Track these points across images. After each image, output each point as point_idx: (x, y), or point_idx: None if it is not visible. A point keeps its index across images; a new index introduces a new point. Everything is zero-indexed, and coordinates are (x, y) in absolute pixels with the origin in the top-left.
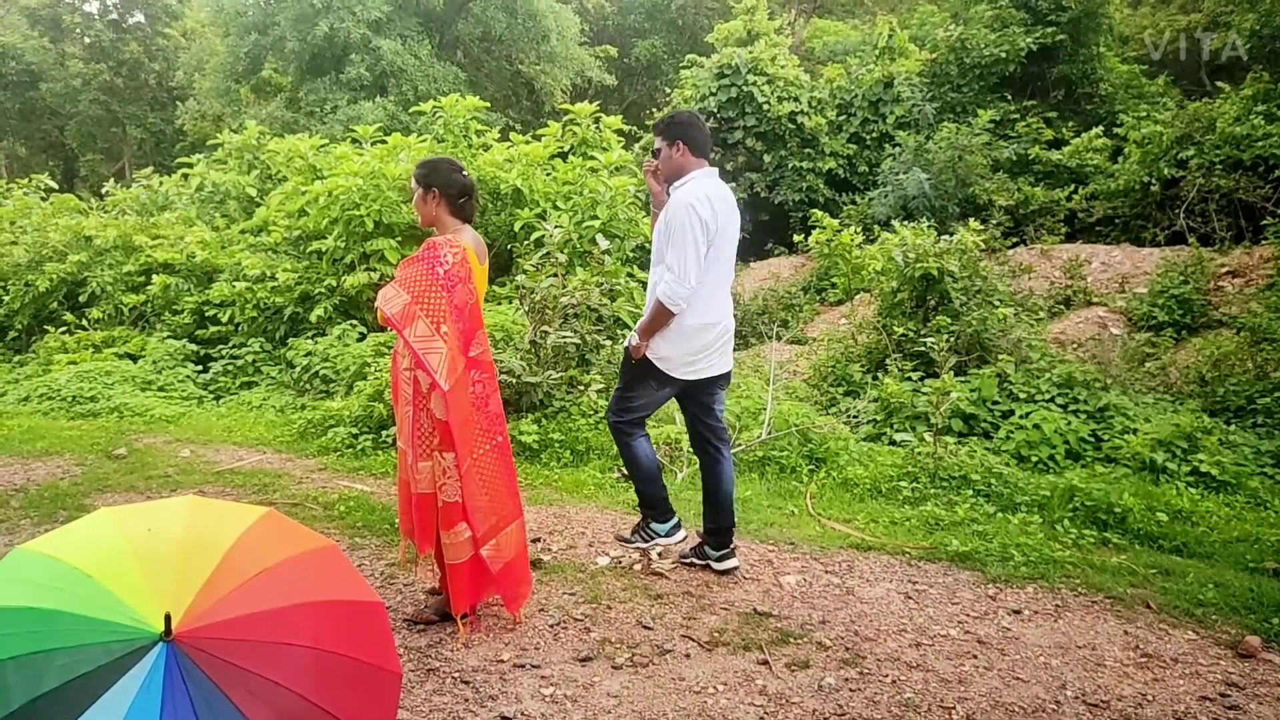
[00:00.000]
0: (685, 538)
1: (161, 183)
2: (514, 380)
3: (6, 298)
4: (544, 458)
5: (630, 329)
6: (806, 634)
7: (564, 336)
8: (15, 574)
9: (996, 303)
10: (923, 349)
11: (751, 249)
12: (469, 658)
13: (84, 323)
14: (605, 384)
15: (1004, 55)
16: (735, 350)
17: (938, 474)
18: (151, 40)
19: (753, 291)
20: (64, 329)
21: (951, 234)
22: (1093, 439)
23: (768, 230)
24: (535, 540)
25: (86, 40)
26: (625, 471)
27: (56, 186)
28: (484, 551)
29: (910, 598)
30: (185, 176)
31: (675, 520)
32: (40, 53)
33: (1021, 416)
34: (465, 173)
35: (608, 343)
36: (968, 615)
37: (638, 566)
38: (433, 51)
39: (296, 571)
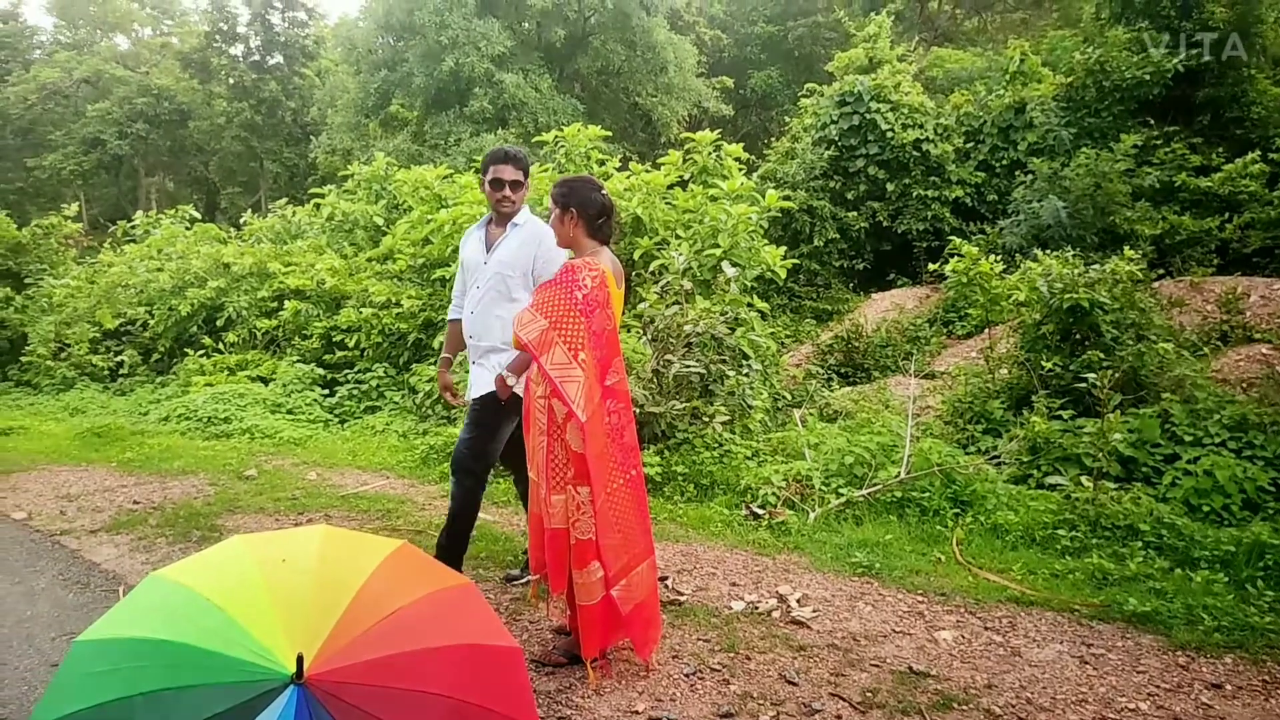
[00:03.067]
0: None
1: (295, 213)
2: (637, 410)
3: (152, 321)
4: (667, 490)
5: (751, 360)
6: (971, 699)
7: (687, 366)
8: (149, 602)
9: (1153, 337)
10: (1070, 385)
11: (873, 279)
12: (601, 706)
13: (220, 346)
14: (730, 415)
15: (1147, 78)
16: (857, 383)
17: (1099, 522)
18: (289, 79)
19: (874, 323)
20: (202, 352)
21: (1092, 264)
22: (1274, 488)
23: (889, 260)
24: (663, 579)
25: (231, 81)
26: (754, 511)
27: (200, 217)
28: (614, 592)
29: (1086, 662)
30: (317, 206)
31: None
32: (190, 93)
33: (1189, 461)
34: (604, 191)
35: (731, 373)
36: (1158, 687)
37: (775, 613)
38: (553, 85)
39: (433, 611)
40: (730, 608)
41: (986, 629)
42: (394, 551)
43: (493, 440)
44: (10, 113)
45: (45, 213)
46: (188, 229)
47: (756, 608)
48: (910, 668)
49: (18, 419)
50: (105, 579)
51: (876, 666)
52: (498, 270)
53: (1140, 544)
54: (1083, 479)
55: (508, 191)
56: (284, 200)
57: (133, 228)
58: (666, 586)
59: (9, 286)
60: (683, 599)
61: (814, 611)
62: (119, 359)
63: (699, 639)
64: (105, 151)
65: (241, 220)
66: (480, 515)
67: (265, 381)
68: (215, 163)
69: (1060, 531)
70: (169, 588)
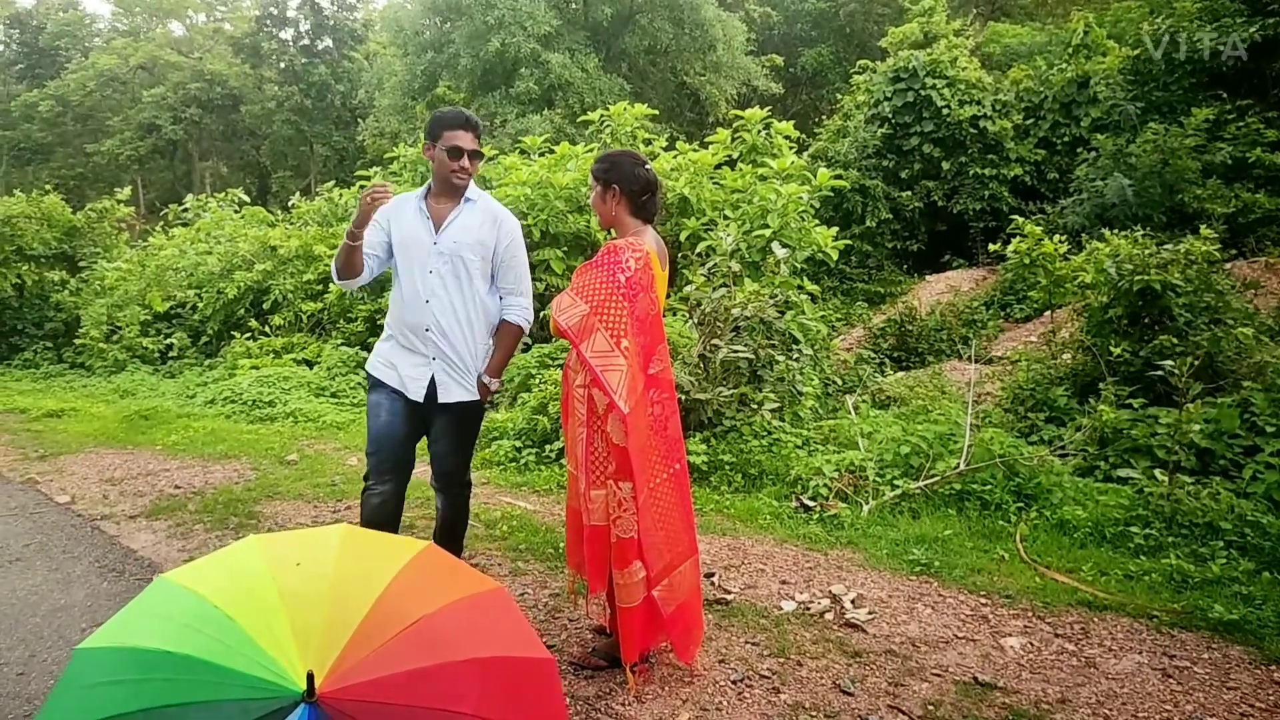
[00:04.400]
0: None
1: (341, 195)
2: (682, 397)
3: (201, 304)
4: (713, 480)
5: (801, 345)
6: (1044, 716)
7: (735, 351)
8: (155, 609)
9: (1230, 321)
10: (1140, 372)
11: (927, 261)
12: (643, 714)
13: (266, 329)
14: (779, 402)
15: (1220, 49)
16: (911, 368)
17: (1175, 519)
18: (338, 63)
19: (929, 305)
20: (249, 335)
21: (1164, 245)
22: None
23: (944, 241)
24: (709, 576)
25: (281, 65)
26: (804, 502)
27: (249, 200)
28: (656, 593)
29: (1170, 676)
30: (362, 189)
31: None
32: (242, 78)
33: (1272, 454)
34: (648, 166)
35: (781, 358)
36: (1253, 707)
37: (829, 615)
38: (599, 64)
39: (459, 620)
40: (780, 608)
41: (1057, 636)
42: (419, 554)
43: (473, 446)
44: (70, 99)
45: (104, 198)
46: (236, 212)
47: (808, 608)
48: (975, 678)
49: (70, 401)
50: (140, 567)
51: (938, 676)
52: (454, 252)
53: (1221, 543)
54: (1156, 472)
55: (466, 161)
56: (331, 183)
57: (184, 211)
58: (712, 583)
59: (64, 270)
60: (730, 597)
61: (870, 613)
62: (168, 341)
63: (747, 642)
64: (160, 136)
65: (289, 203)
66: (521, 504)
67: (310, 364)
68: (266, 146)
69: (1133, 529)
70: (176, 593)
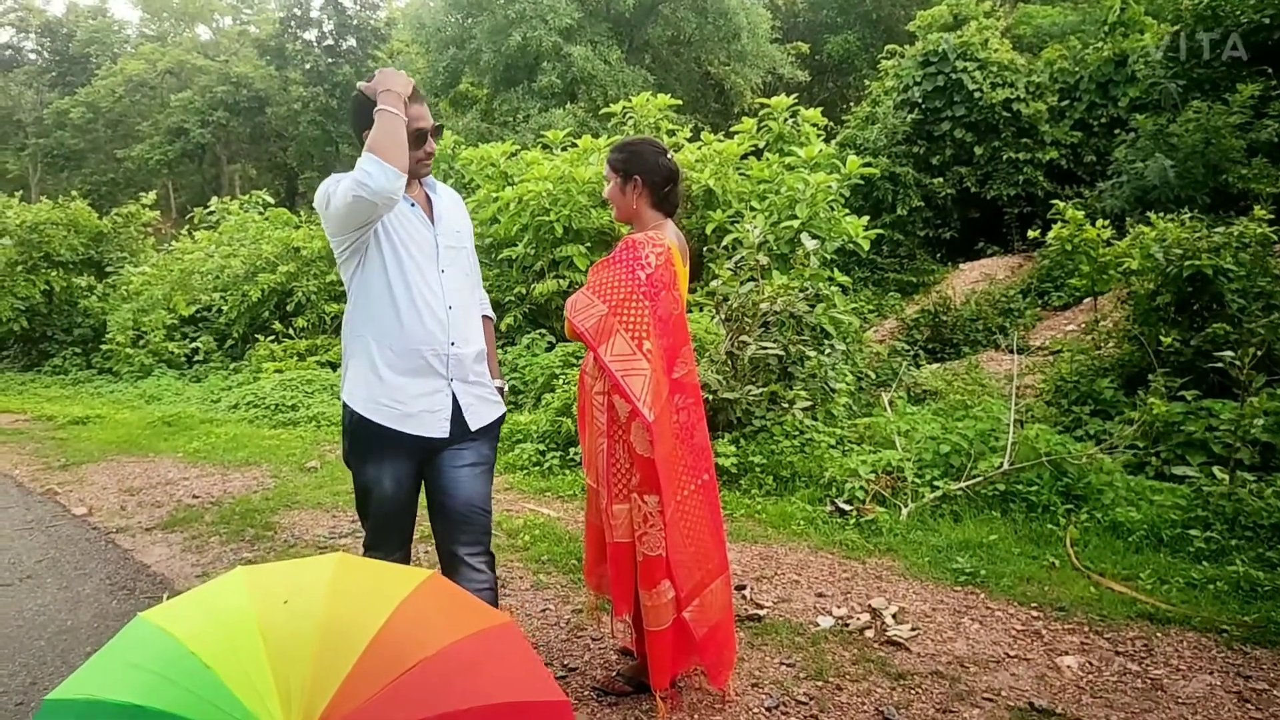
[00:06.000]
0: None
1: None
2: (710, 396)
3: (225, 307)
4: (744, 483)
5: (833, 339)
6: None
7: (764, 347)
8: (130, 655)
9: None
10: (1191, 361)
11: (960, 249)
12: None
13: (291, 331)
14: (811, 400)
15: (1267, 22)
16: (946, 360)
17: (1238, 520)
18: (362, 62)
19: (964, 295)
20: (273, 337)
21: (1211, 226)
22: None
23: (978, 228)
24: (740, 589)
25: (306, 66)
26: (840, 506)
27: (273, 201)
28: (687, 614)
29: (1246, 700)
30: None
31: None
32: (267, 80)
33: None
34: (669, 155)
35: (812, 354)
36: None
37: (869, 631)
38: (622, 56)
39: (463, 662)
40: (817, 624)
41: (1118, 654)
42: (420, 585)
43: None
44: (100, 105)
45: (130, 202)
46: (261, 214)
47: (847, 625)
48: (1031, 703)
49: (96, 407)
50: (152, 583)
51: (990, 700)
52: (457, 244)
53: None
54: (1215, 469)
55: (432, 145)
56: None
57: (209, 214)
58: (744, 597)
59: (91, 275)
60: (763, 613)
61: (913, 630)
62: (194, 345)
63: (782, 663)
64: (189, 140)
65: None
66: (544, 511)
67: (334, 367)
68: (293, 148)
69: (1192, 531)
70: (153, 636)
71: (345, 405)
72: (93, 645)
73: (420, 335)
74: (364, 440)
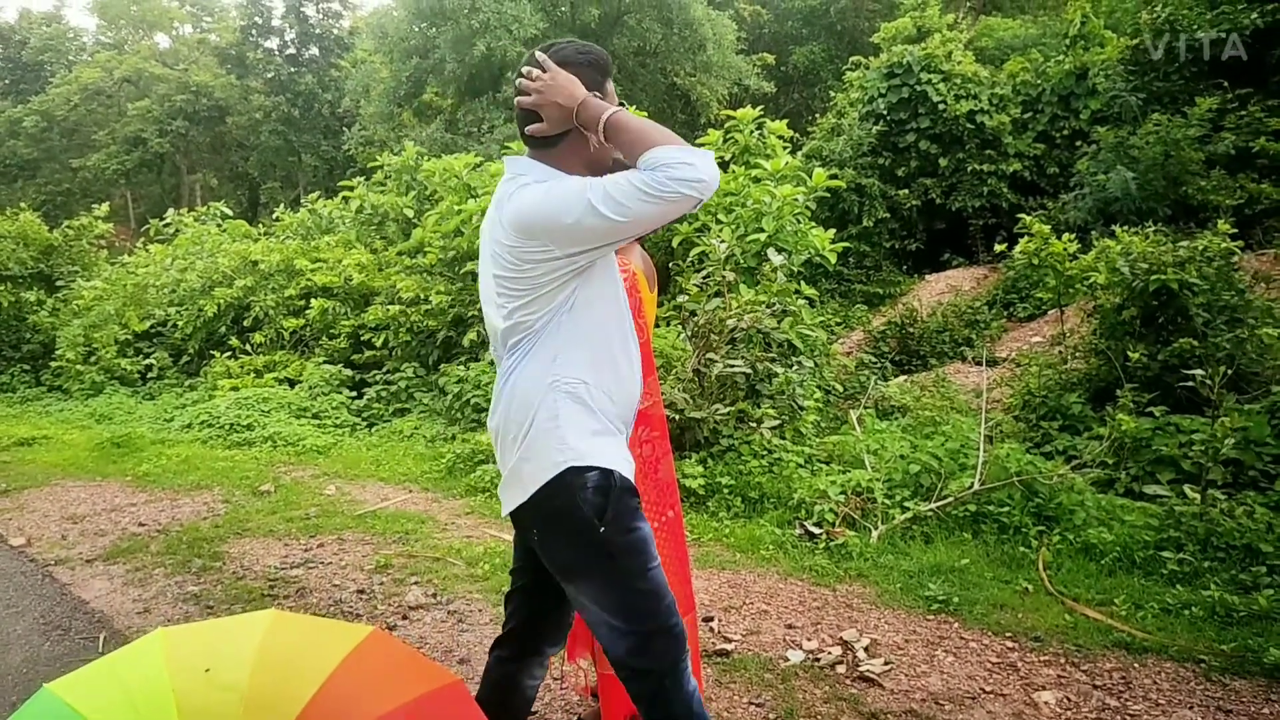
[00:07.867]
0: None
1: (325, 206)
2: (676, 415)
3: (180, 322)
4: (711, 505)
5: (800, 355)
6: None
7: (732, 365)
8: None
9: (1251, 321)
10: (1159, 376)
11: (926, 260)
12: None
13: (248, 347)
14: (779, 418)
15: (1223, 37)
16: (913, 372)
17: (1211, 541)
18: (324, 72)
19: (930, 306)
20: (229, 353)
21: (1179, 242)
22: None
23: (943, 239)
24: (708, 619)
25: (267, 75)
26: (809, 530)
27: (232, 213)
28: None
29: None
30: (345, 200)
31: None
32: (228, 89)
33: None
34: None
35: (780, 371)
36: None
37: (840, 666)
38: None
39: None
40: (787, 659)
41: (1096, 687)
42: (358, 646)
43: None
44: (55, 114)
45: (82, 214)
46: (219, 226)
47: (817, 659)
48: None
49: (43, 427)
50: (88, 622)
51: None
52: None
53: (1264, 569)
54: (1186, 488)
55: None
56: (316, 194)
57: (165, 226)
58: (711, 629)
59: (41, 290)
60: (731, 647)
61: (886, 664)
62: (148, 362)
63: (750, 702)
64: (147, 150)
65: (274, 215)
66: (505, 537)
67: (293, 384)
68: (254, 158)
69: (1165, 553)
70: (57, 710)
71: (586, 471)
72: (20, 694)
73: (625, 394)
74: (634, 508)
